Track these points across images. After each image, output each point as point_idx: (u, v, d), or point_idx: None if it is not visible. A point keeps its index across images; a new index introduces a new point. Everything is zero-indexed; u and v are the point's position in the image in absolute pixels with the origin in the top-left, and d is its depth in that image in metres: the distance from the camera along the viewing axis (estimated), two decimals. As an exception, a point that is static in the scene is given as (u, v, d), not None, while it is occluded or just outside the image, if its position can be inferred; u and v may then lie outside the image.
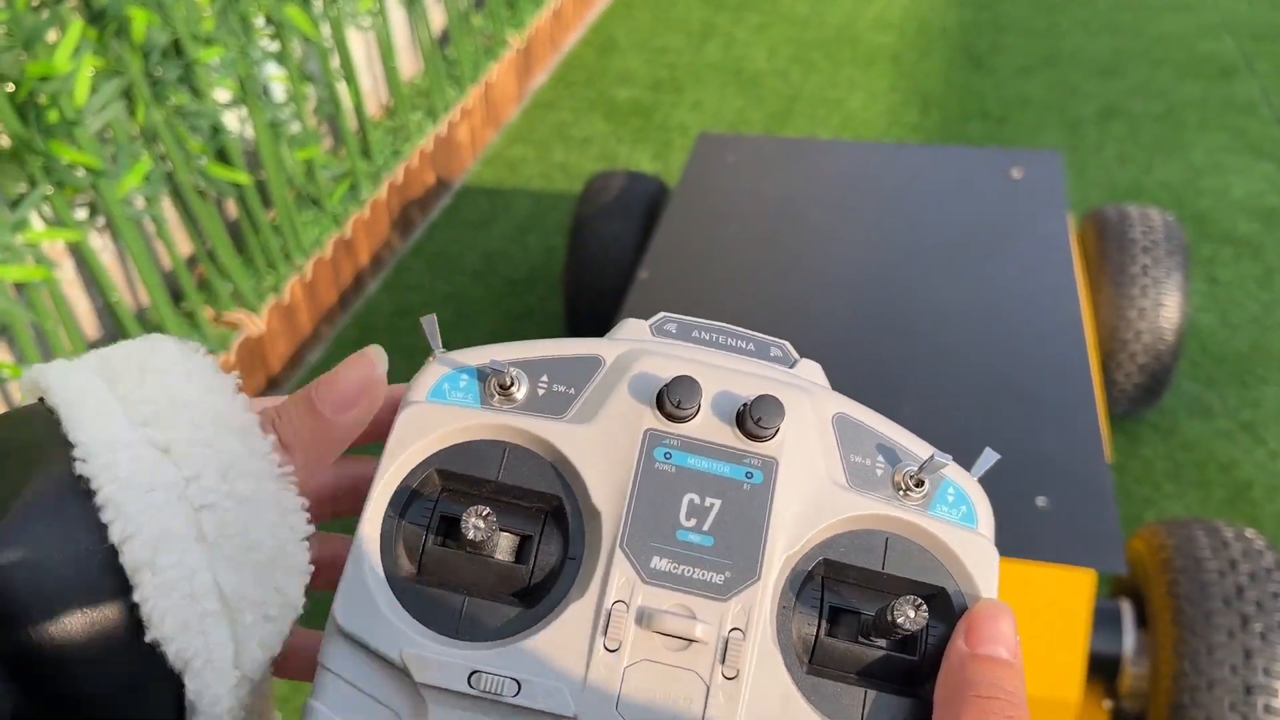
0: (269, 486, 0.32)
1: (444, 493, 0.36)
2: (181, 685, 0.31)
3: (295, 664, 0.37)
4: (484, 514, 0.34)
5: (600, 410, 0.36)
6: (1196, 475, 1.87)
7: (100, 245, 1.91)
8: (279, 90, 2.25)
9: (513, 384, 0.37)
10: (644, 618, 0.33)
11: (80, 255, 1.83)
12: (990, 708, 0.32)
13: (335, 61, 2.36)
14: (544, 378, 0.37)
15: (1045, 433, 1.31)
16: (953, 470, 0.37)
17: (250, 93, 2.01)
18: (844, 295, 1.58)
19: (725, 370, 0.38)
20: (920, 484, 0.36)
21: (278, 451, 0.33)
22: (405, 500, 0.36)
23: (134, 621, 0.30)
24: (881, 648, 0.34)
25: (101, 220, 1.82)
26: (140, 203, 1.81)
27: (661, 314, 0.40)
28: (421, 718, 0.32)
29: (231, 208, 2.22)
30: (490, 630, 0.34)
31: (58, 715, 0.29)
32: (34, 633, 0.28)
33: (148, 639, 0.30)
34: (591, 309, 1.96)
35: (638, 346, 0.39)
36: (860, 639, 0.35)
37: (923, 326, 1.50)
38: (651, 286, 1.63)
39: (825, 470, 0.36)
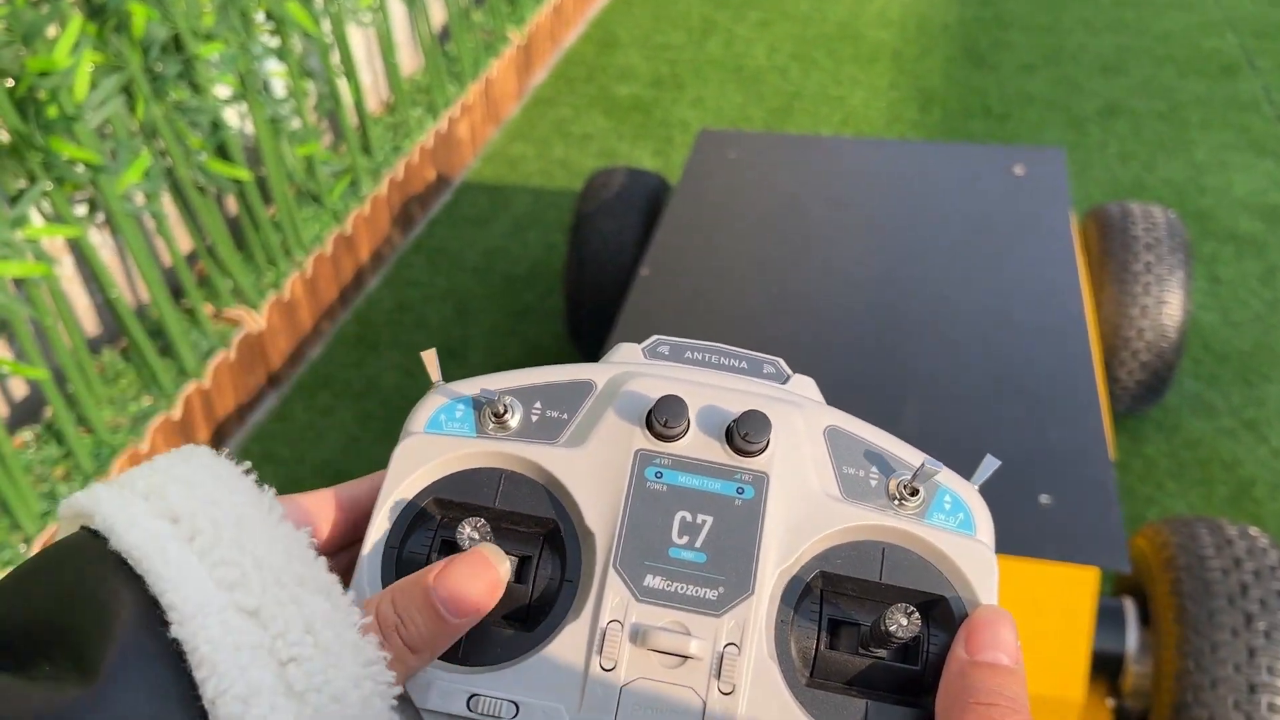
0: (350, 637, 0.32)
1: (442, 521, 0.37)
2: None
3: None
4: (478, 524, 0.34)
5: (592, 433, 0.37)
6: (1200, 473, 1.87)
7: (100, 241, 1.91)
8: (279, 86, 2.24)
9: (507, 411, 0.37)
10: (638, 636, 0.33)
11: (80, 251, 1.83)
12: (992, 715, 0.31)
13: (336, 57, 2.36)
14: (537, 404, 0.38)
15: (1049, 430, 1.30)
16: (949, 478, 0.38)
17: (250, 88, 2.01)
18: (847, 292, 1.58)
19: (714, 388, 0.38)
20: (915, 493, 0.36)
21: (358, 606, 0.34)
22: (405, 530, 0.36)
23: None
24: (882, 658, 0.34)
25: (101, 216, 1.81)
26: (140, 199, 1.80)
27: (654, 336, 0.41)
28: None
29: (232, 204, 2.22)
30: (491, 654, 0.34)
31: None
32: None
33: None
34: (593, 306, 1.94)
35: (629, 369, 0.39)
36: (860, 650, 0.35)
37: (926, 323, 1.50)
38: (653, 283, 1.62)
39: (818, 483, 0.36)
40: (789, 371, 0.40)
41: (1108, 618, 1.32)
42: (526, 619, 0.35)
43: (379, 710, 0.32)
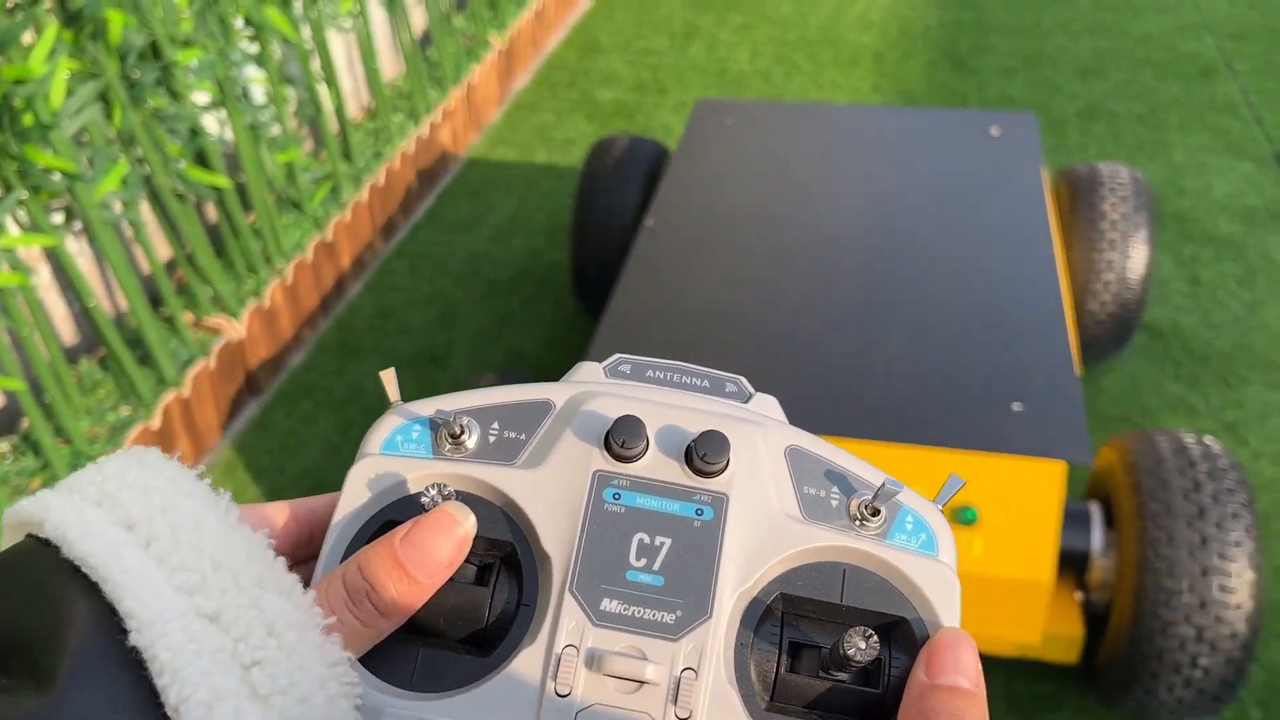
0: (314, 638, 0.32)
1: None
2: None
3: None
4: (441, 486, 0.34)
5: (550, 454, 0.36)
6: (1180, 475, 1.87)
7: (77, 250, 1.89)
8: (259, 92, 2.23)
9: (463, 432, 0.37)
10: (594, 661, 0.33)
11: (57, 260, 1.81)
12: None
13: (316, 63, 2.35)
14: (495, 424, 0.38)
15: (1022, 350, 1.47)
16: (910, 497, 0.37)
17: (229, 95, 1.99)
18: (837, 239, 1.73)
19: (674, 408, 0.38)
20: (876, 513, 0.36)
21: (320, 606, 0.33)
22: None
23: None
24: (843, 681, 0.34)
25: (78, 224, 1.80)
26: (118, 207, 1.79)
27: (616, 355, 0.41)
28: None
29: (211, 211, 2.20)
30: (446, 680, 0.34)
31: None
32: None
33: None
34: (597, 262, 2.04)
35: (588, 389, 0.39)
36: (821, 673, 0.34)
37: (910, 266, 1.65)
38: (657, 234, 1.76)
39: (778, 503, 0.36)
40: (751, 390, 0.40)
41: (1076, 520, 1.45)
42: (483, 643, 0.35)
43: (344, 711, 0.32)
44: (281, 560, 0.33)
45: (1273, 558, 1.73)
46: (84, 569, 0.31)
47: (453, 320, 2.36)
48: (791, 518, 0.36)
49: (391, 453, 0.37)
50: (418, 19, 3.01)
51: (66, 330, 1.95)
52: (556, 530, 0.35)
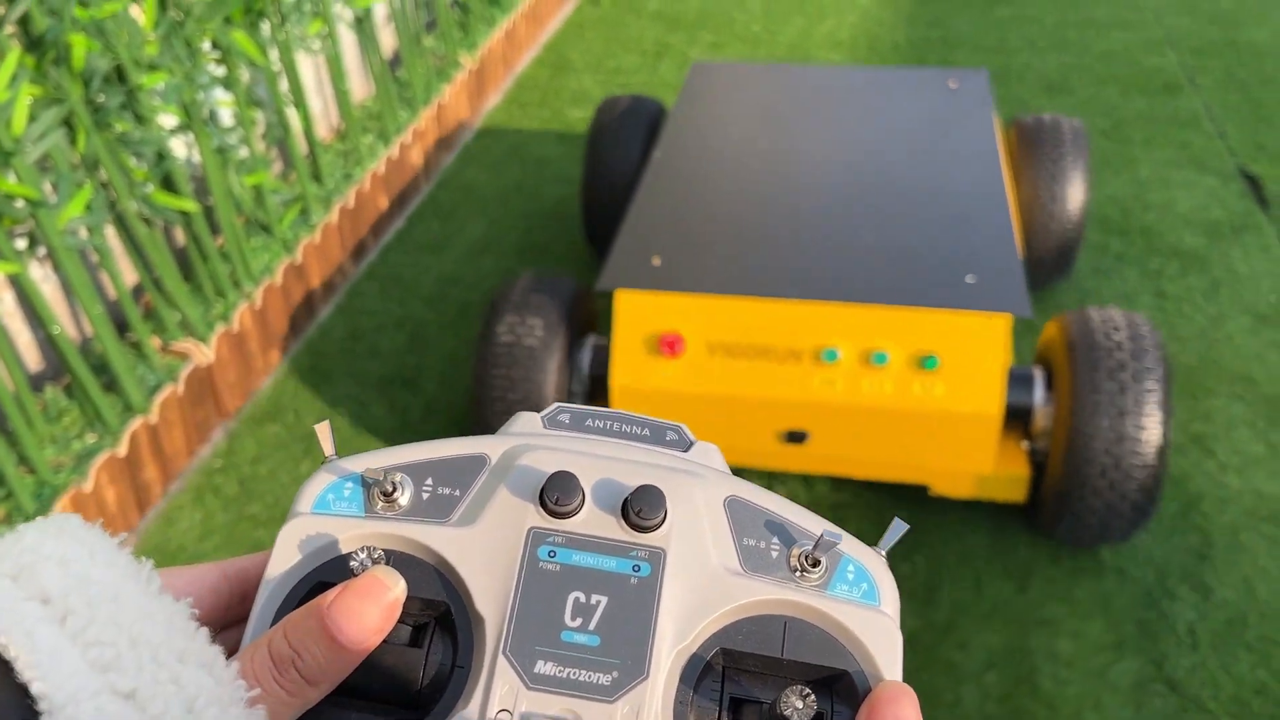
0: (235, 713, 0.31)
1: None
2: None
3: None
4: (371, 549, 0.33)
5: (484, 511, 0.36)
6: (1149, 488, 1.89)
7: (41, 276, 1.87)
8: (226, 115, 2.22)
9: (396, 490, 0.36)
10: None
11: (20, 287, 1.79)
12: None
13: (284, 85, 2.34)
14: (429, 481, 0.37)
15: (975, 238, 1.81)
16: (852, 546, 0.37)
17: (196, 118, 1.98)
18: (823, 162, 2.08)
19: (611, 460, 0.37)
20: (817, 564, 0.35)
21: (244, 677, 0.33)
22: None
23: None
24: None
25: (42, 250, 1.78)
26: (83, 232, 1.77)
27: (555, 405, 0.40)
28: None
29: (178, 235, 2.19)
30: None
31: None
32: None
33: None
34: (605, 207, 2.33)
35: (525, 441, 0.38)
36: None
37: (885, 178, 2.00)
38: (664, 163, 2.09)
39: (717, 557, 0.35)
40: (692, 438, 0.39)
41: (1023, 381, 1.73)
42: (417, 705, 0.34)
43: None
44: (204, 631, 0.33)
45: (1240, 568, 1.74)
46: None
47: (424, 343, 2.35)
48: (731, 571, 0.35)
49: (323, 511, 0.36)
50: (387, 40, 3.01)
51: (31, 357, 1.93)
52: (491, 590, 0.34)
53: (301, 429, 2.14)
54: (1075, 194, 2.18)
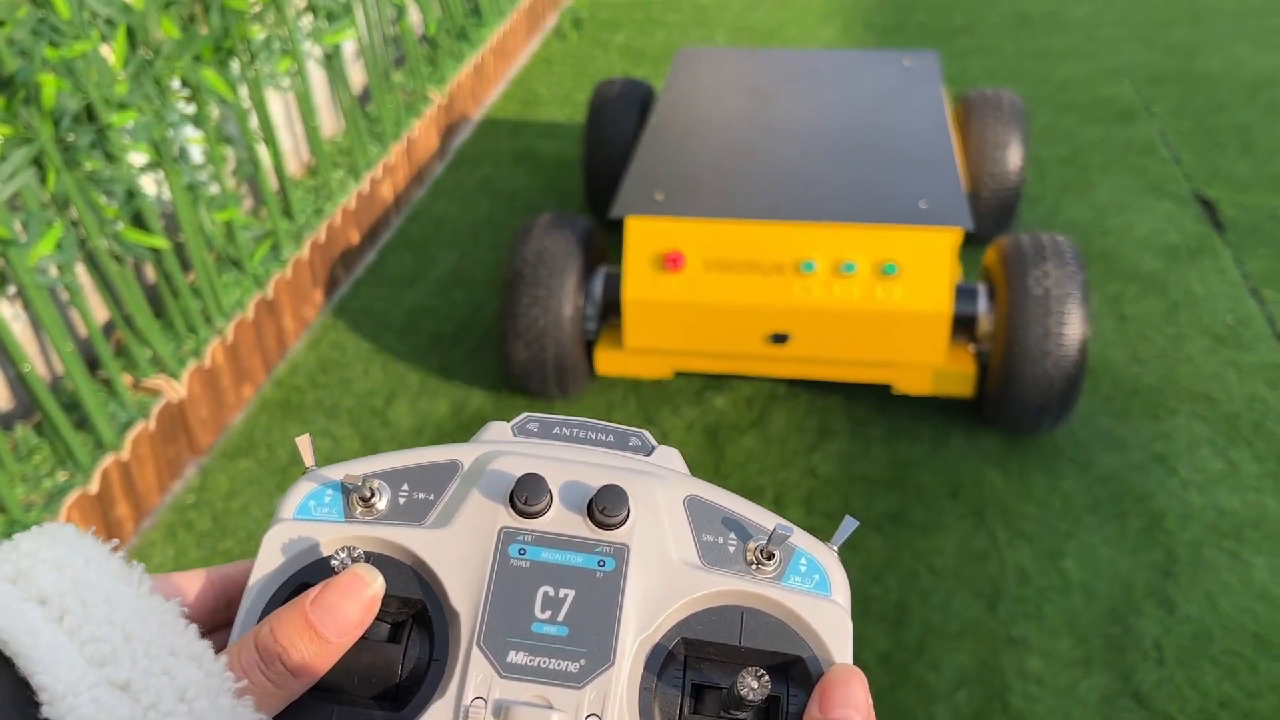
0: (225, 702, 0.33)
1: None
2: None
3: None
4: (350, 548, 0.35)
5: (457, 513, 0.38)
6: (1114, 507, 1.92)
7: (11, 314, 1.87)
8: (197, 152, 2.23)
9: (374, 495, 0.38)
10: (501, 711, 0.34)
11: (-10, 325, 1.79)
12: None
13: (254, 122, 2.35)
14: (405, 486, 0.39)
15: (927, 174, 2.13)
16: (803, 540, 0.39)
17: (166, 156, 1.99)
18: (797, 123, 2.39)
19: (577, 464, 0.39)
20: (771, 556, 0.38)
21: (232, 669, 0.34)
22: None
23: None
24: (743, 718, 0.36)
25: (12, 289, 1.78)
26: (53, 270, 1.77)
27: (524, 414, 0.43)
28: None
29: (150, 272, 2.19)
30: None
31: None
32: None
33: None
34: (604, 175, 2.65)
35: (495, 448, 0.40)
36: (722, 713, 0.36)
37: (849, 134, 2.32)
38: (661, 122, 2.41)
39: (677, 552, 0.38)
40: (654, 443, 0.42)
41: (969, 294, 2.05)
42: (397, 698, 0.36)
43: None
44: (193, 628, 0.35)
45: (1203, 584, 1.78)
46: None
47: (395, 375, 2.36)
48: (691, 565, 0.37)
49: (305, 517, 0.39)
50: (356, 76, 3.03)
51: (1, 395, 1.92)
52: (465, 586, 0.36)
53: (274, 464, 2.14)
54: (1014, 156, 2.53)
